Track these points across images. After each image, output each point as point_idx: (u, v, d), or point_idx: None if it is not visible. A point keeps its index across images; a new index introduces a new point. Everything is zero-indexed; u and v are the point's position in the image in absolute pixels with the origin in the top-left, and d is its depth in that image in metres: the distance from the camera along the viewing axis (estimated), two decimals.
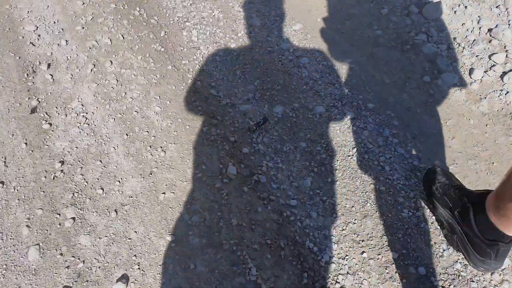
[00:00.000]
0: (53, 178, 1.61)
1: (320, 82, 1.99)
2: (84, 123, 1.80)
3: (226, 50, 2.15)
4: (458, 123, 1.81)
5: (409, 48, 2.08)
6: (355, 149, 1.72)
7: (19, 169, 1.66)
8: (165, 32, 2.24)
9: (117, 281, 1.36)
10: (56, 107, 1.87)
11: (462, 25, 2.11)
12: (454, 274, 1.38)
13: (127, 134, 1.76)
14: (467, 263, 1.35)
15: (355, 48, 2.13)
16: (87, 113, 1.84)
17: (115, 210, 1.52)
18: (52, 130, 1.78)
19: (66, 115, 1.84)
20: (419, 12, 2.21)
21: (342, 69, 2.04)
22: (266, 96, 1.94)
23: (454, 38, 2.07)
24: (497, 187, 1.11)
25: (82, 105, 1.88)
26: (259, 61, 2.10)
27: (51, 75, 2.00)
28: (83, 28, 2.24)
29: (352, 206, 1.55)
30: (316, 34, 2.22)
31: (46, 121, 1.81)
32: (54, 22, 2.27)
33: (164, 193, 1.56)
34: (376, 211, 1.54)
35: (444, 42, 2.07)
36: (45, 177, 1.62)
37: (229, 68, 2.06)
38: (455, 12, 2.17)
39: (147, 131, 1.78)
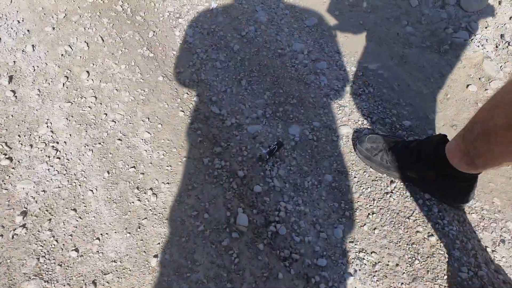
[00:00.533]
0: (12, 237, 1.18)
1: (343, 92, 1.56)
2: (54, 157, 1.36)
3: (229, 54, 1.70)
4: None
5: (447, 48, 1.64)
6: (395, 184, 1.31)
7: None
8: (154, 32, 1.77)
9: None
10: (19, 135, 1.42)
11: (510, 18, 1.67)
12: None
13: (108, 172, 1.33)
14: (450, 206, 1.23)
15: (383, 49, 1.68)
16: (58, 143, 1.40)
17: (94, 282, 1.11)
18: (13, 168, 1.34)
19: (31, 145, 1.39)
20: (456, 3, 1.75)
21: (369, 75, 1.61)
22: (279, 113, 1.50)
23: (502, 36, 1.63)
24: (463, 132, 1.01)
25: (52, 131, 1.43)
26: (268, 67, 1.65)
27: (13, 91, 1.54)
28: (53, 29, 1.75)
29: (397, 265, 1.16)
30: (335, 31, 1.76)
31: (6, 154, 1.37)
32: (19, 22, 1.78)
33: (156, 255, 1.15)
34: (428, 271, 1.15)
35: (490, 41, 1.63)
36: (1, 235, 1.19)
37: (233, 77, 1.62)
38: (499, 2, 1.72)
39: (134, 166, 1.35)
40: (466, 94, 1.52)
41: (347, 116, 1.49)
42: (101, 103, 1.50)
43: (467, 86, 1.53)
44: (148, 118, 1.47)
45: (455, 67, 1.58)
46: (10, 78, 1.57)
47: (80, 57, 1.65)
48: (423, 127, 1.44)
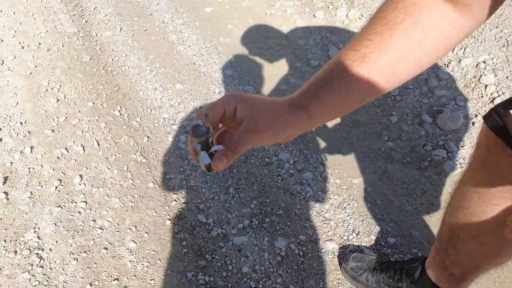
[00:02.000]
0: None
1: (328, 206, 1.68)
2: (37, 266, 1.41)
3: None
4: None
5: (427, 165, 1.81)
6: None
7: None
8: (148, 137, 1.94)
9: None
10: (5, 241, 1.48)
11: None
12: None
13: (91, 284, 1.36)
14: None
15: (365, 163, 1.85)
16: (43, 250, 1.46)
17: None
18: None
19: (15, 252, 1.44)
20: (433, 121, 1.98)
21: (352, 189, 1.74)
22: (265, 224, 1.60)
23: None
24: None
25: (39, 237, 1.49)
26: (255, 176, 1.79)
27: (5, 193, 1.64)
28: (53, 131, 1.92)
29: None
30: (320, 143, 1.95)
31: None
32: (21, 123, 1.95)
33: None
34: None
35: (467, 159, 1.81)
36: None
37: (221, 184, 1.74)
38: (473, 123, 1.94)
39: (117, 279, 1.39)
40: None
41: (333, 230, 1.58)
42: (90, 209, 1.59)
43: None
44: (136, 226, 1.55)
45: (436, 184, 1.73)
46: (5, 180, 1.68)
47: (75, 160, 1.79)
48: (408, 245, 1.53)
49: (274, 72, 2.33)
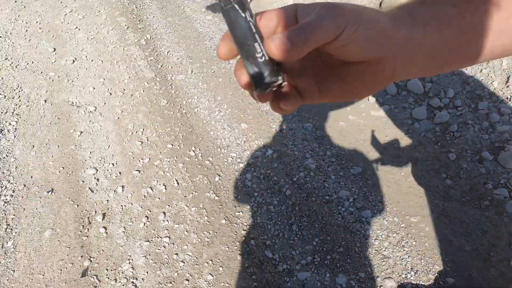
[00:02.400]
0: None
1: (387, 243, 1.79)
2: None
3: (281, 198, 2.05)
4: None
5: (488, 204, 1.85)
6: None
7: None
8: (220, 176, 2.19)
9: None
10: (107, 269, 1.80)
11: None
12: None
13: None
14: None
15: (423, 201, 1.93)
16: (137, 279, 1.75)
17: None
18: None
19: (116, 280, 1.75)
20: (494, 158, 2.00)
21: (411, 227, 1.84)
22: (327, 261, 1.76)
23: None
24: None
25: (133, 268, 1.80)
26: (316, 213, 1.95)
27: (105, 227, 1.97)
28: (139, 172, 2.25)
29: None
30: (378, 180, 2.06)
31: (95, 287, 1.73)
32: (113, 164, 2.32)
33: None
34: None
35: None
36: None
37: (285, 222, 1.93)
38: None
39: None
40: (510, 254, 1.68)
41: (391, 268, 1.70)
42: (173, 243, 1.87)
43: (511, 245, 1.69)
44: (211, 260, 1.79)
45: (497, 224, 1.77)
46: (103, 216, 2.02)
47: (159, 198, 2.09)
48: (467, 286, 1.60)
49: (333, 108, 2.50)
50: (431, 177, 2.01)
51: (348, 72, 0.37)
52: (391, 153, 2.18)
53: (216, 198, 2.08)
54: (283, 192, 2.07)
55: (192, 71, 3.01)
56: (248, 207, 2.02)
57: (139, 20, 3.68)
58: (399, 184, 2.02)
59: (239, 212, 2.00)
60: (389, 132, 2.31)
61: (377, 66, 0.36)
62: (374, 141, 2.27)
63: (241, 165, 2.24)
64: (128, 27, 3.57)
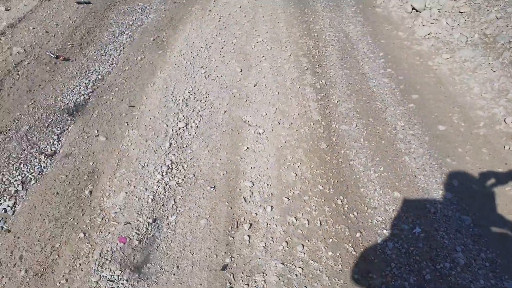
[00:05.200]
0: None
1: None
2: None
3: (419, 279, 2.10)
4: None
5: None
6: None
7: None
8: (361, 233, 2.36)
9: None
10: (242, 273, 2.11)
11: None
12: None
13: None
14: None
15: None
16: None
17: None
18: None
19: (248, 285, 2.04)
20: None
21: None
22: None
23: None
24: None
25: (265, 282, 2.07)
26: None
27: (249, 236, 2.31)
28: (288, 200, 2.56)
29: None
30: None
31: (230, 283, 2.05)
32: (267, 185, 2.68)
33: None
34: None
35: None
36: None
37: None
38: None
39: None
40: None
41: None
42: (305, 276, 2.09)
43: None
44: None
45: None
46: (250, 225, 2.36)
47: (300, 231, 2.35)
48: None
49: (500, 202, 2.46)
50: None
51: None
52: None
53: (354, 253, 2.24)
54: (423, 275, 2.13)
55: (356, 125, 3.27)
56: (383, 274, 2.13)
57: (318, 65, 4.15)
58: None
59: (373, 275, 2.12)
60: None
61: None
62: None
63: (385, 232, 2.37)
64: (307, 68, 4.06)
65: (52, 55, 3.87)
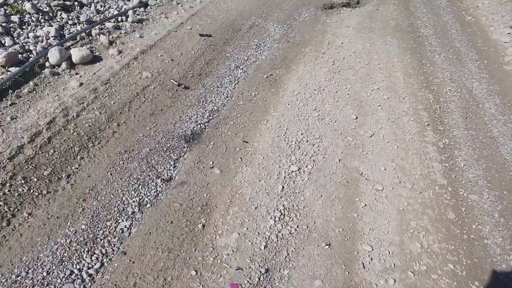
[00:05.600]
0: None
1: None
2: None
3: None
4: None
5: None
6: None
7: None
8: None
9: None
10: None
11: None
12: None
13: None
14: None
15: None
16: None
17: None
18: None
19: None
20: None
21: None
22: None
23: None
24: None
25: None
26: None
27: None
28: (414, 275, 2.29)
29: None
30: None
31: None
32: (389, 252, 2.43)
33: None
34: None
35: None
36: None
37: None
38: None
39: None
40: None
41: None
42: None
43: None
44: None
45: None
46: None
47: None
48: None
49: None
50: None
51: None
52: None
53: None
54: None
55: (488, 196, 2.90)
56: None
57: (440, 121, 3.84)
58: None
59: None
60: None
61: None
62: None
63: None
64: (428, 124, 3.77)
65: (175, 82, 4.08)
